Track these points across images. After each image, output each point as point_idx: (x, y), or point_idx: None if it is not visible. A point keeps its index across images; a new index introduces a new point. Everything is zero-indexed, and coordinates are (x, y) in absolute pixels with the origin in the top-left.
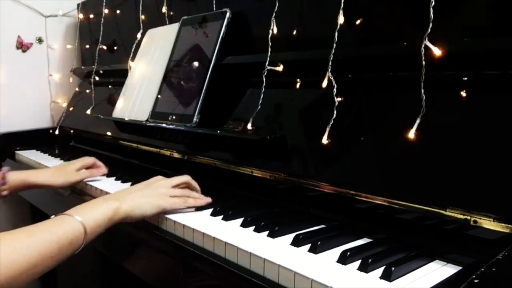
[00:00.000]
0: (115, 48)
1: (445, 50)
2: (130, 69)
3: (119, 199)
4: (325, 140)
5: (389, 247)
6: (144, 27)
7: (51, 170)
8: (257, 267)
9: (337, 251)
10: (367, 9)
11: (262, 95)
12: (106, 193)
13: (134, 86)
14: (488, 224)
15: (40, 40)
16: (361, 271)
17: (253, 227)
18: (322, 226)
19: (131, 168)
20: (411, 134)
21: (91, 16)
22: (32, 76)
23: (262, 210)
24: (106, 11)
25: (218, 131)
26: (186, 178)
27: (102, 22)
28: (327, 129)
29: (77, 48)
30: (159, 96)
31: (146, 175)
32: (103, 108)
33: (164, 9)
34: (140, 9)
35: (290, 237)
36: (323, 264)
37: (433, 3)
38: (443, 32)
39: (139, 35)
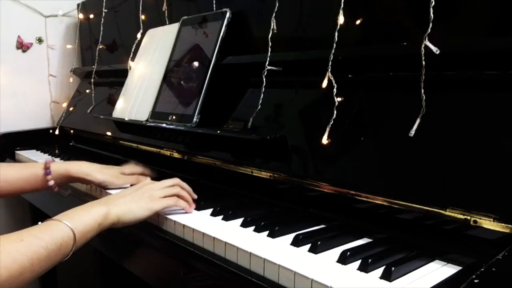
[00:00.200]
0: (115, 48)
1: (445, 50)
2: (130, 69)
3: (109, 204)
4: (325, 140)
5: (389, 247)
6: (144, 27)
7: (94, 164)
8: (257, 267)
9: (337, 251)
10: (367, 9)
11: (262, 95)
12: (106, 193)
13: (134, 86)
14: (488, 224)
15: (40, 40)
16: (361, 271)
17: (253, 227)
18: (322, 226)
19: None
20: (411, 134)
21: (91, 16)
22: (32, 76)
23: (262, 210)
24: (106, 11)
25: (218, 131)
26: (175, 180)
27: (102, 22)
28: (327, 129)
29: (77, 48)
30: (159, 96)
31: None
32: (103, 108)
33: (164, 9)
34: (140, 9)
35: (290, 237)
36: (323, 264)
37: (433, 3)
38: (443, 32)
39: (139, 35)
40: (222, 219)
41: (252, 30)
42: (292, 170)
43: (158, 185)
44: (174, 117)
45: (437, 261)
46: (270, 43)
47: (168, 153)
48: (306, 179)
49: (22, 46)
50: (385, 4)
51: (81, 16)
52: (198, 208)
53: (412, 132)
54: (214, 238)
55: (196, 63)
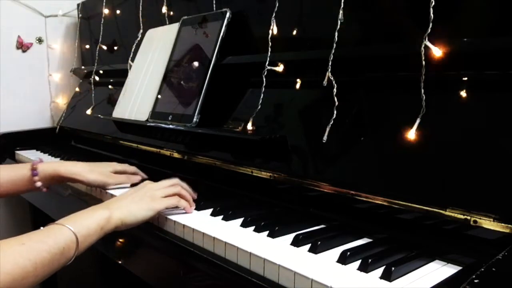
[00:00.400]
0: (115, 48)
1: (445, 50)
2: (130, 69)
3: (110, 207)
4: (325, 140)
5: (389, 247)
6: (144, 27)
7: (83, 164)
8: (257, 267)
9: (337, 251)
10: (367, 9)
11: (262, 95)
12: (106, 193)
13: (134, 86)
14: (488, 224)
15: (40, 40)
16: (361, 271)
17: (253, 227)
18: (322, 226)
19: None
20: (411, 134)
21: (91, 16)
22: (32, 76)
23: (262, 210)
24: (106, 11)
25: (218, 131)
26: (175, 180)
27: (102, 22)
28: (327, 129)
29: (77, 48)
30: (159, 96)
31: (146, 175)
32: (103, 108)
33: (164, 9)
34: (140, 9)
35: (290, 237)
36: (323, 264)
37: (433, 3)
38: (443, 32)
39: (139, 35)
40: (222, 219)
41: (252, 30)
42: (292, 170)
43: (158, 185)
44: (174, 117)
45: (437, 261)
46: (270, 43)
47: (168, 153)
48: (306, 179)
49: (22, 46)
50: (385, 4)
51: (81, 16)
52: (198, 208)
53: (412, 132)
54: (214, 238)
55: (196, 63)
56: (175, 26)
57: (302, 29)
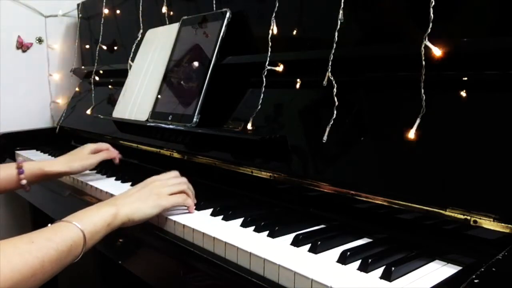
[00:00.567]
0: (115, 48)
1: (445, 50)
2: (130, 69)
3: (117, 203)
4: (325, 140)
5: (389, 247)
6: (144, 27)
7: (64, 157)
8: (257, 267)
9: (337, 251)
10: (367, 9)
11: (262, 95)
12: (106, 193)
13: (134, 86)
14: (488, 224)
15: (40, 40)
16: (361, 271)
17: (253, 227)
18: (322, 226)
19: (131, 168)
20: (411, 134)
21: (91, 16)
22: (32, 76)
23: (262, 210)
24: (106, 11)
25: (218, 131)
26: (176, 173)
27: (102, 22)
28: (327, 129)
29: (77, 48)
30: (159, 96)
31: (146, 175)
32: (103, 108)
33: (164, 9)
34: (140, 9)
35: (290, 237)
36: (323, 264)
37: (433, 3)
38: (443, 32)
39: (139, 35)
40: (222, 219)
41: (252, 30)
42: (292, 170)
43: (164, 182)
44: (174, 117)
45: (437, 261)
46: (270, 43)
47: (168, 153)
48: (306, 179)
49: (22, 46)
50: (385, 4)
51: (81, 16)
52: (198, 208)
53: (412, 132)
54: (214, 238)
55: (196, 63)
56: (175, 26)
57: (302, 29)
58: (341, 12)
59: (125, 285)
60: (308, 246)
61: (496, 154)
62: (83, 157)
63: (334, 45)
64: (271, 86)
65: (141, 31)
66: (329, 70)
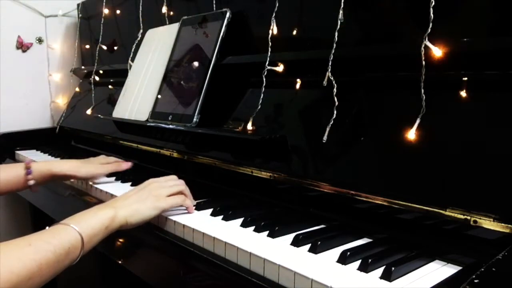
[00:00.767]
0: (115, 48)
1: (445, 50)
2: (130, 69)
3: (115, 206)
4: (325, 140)
5: (389, 247)
6: (144, 27)
7: (75, 161)
8: (257, 267)
9: (337, 251)
10: (367, 9)
11: (262, 95)
12: (106, 193)
13: (134, 86)
14: (488, 224)
15: (40, 40)
16: (361, 271)
17: (253, 227)
18: (322, 226)
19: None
20: (411, 134)
21: (91, 16)
22: (32, 76)
23: (262, 210)
24: (106, 11)
25: (218, 131)
26: (174, 177)
27: (102, 22)
28: (327, 129)
29: (77, 48)
30: (159, 96)
31: (146, 175)
32: (103, 108)
33: (164, 9)
34: (140, 9)
35: (290, 237)
36: (323, 264)
37: (433, 3)
38: (443, 32)
39: (139, 35)
40: (222, 219)
41: (252, 30)
42: (292, 170)
43: (162, 183)
44: (174, 117)
45: (437, 261)
46: (270, 43)
47: (168, 153)
48: (306, 179)
49: (22, 46)
50: (385, 4)
51: (81, 16)
52: (198, 208)
53: (412, 132)
54: (214, 238)
55: (196, 63)
56: (175, 26)
57: (302, 29)
58: (341, 12)
59: (125, 285)
60: (308, 246)
61: (496, 154)
62: (92, 165)
63: (334, 45)
64: (271, 86)
65: (141, 31)
66: (329, 70)
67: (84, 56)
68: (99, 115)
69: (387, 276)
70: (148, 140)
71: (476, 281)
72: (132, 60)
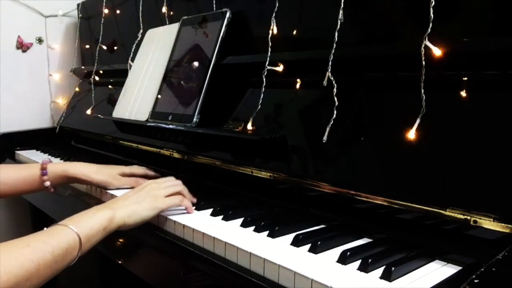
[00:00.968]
0: (115, 48)
1: (445, 50)
2: (130, 69)
3: (113, 207)
4: (325, 140)
5: (389, 247)
6: (144, 27)
7: (92, 165)
8: (257, 267)
9: (337, 251)
10: (367, 9)
11: (262, 95)
12: (106, 193)
13: (134, 86)
14: (488, 224)
15: (40, 40)
16: (361, 271)
17: (253, 227)
18: (322, 226)
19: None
20: (411, 134)
21: (91, 16)
22: (32, 76)
23: (262, 210)
24: (106, 11)
25: (218, 131)
26: (172, 178)
27: (102, 22)
28: (327, 129)
29: (77, 48)
30: (159, 96)
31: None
32: (103, 108)
33: (164, 9)
34: (140, 9)
35: (290, 237)
36: (323, 264)
37: (433, 3)
38: (443, 32)
39: (139, 35)
40: (222, 219)
41: (252, 30)
42: (292, 170)
43: (160, 184)
44: (174, 117)
45: (437, 261)
46: (270, 43)
47: (168, 153)
48: (306, 179)
49: (22, 46)
50: (385, 4)
51: (81, 16)
52: (198, 208)
53: (412, 132)
54: (214, 238)
55: (196, 63)
56: (175, 26)
57: (302, 29)
58: (341, 12)
59: (125, 285)
60: (308, 246)
61: (496, 154)
62: (110, 174)
63: (334, 45)
64: (271, 86)
65: (141, 31)
66: (329, 70)
67: (84, 56)
68: (99, 115)
69: (387, 276)
70: (148, 140)
71: (476, 281)
72: (132, 60)
